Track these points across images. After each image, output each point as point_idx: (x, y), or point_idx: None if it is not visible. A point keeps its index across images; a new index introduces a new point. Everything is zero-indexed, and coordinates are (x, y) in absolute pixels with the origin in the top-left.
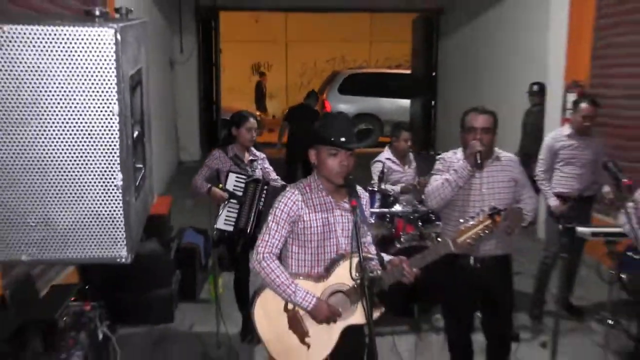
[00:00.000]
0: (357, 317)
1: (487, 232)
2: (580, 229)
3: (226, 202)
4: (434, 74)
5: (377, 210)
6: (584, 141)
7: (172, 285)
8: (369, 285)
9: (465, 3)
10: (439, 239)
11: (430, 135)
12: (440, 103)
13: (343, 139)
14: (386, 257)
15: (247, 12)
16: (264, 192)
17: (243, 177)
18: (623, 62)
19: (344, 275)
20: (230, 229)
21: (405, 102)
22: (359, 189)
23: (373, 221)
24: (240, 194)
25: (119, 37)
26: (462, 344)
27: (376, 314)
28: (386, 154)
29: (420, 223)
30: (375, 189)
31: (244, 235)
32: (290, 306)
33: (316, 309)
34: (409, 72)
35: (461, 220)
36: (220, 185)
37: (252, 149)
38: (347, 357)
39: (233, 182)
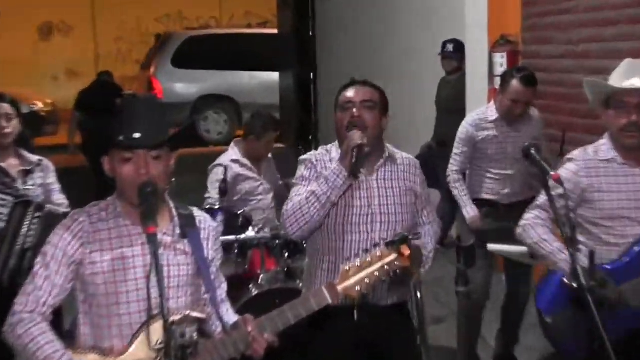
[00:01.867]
0: None
1: (389, 273)
2: (493, 245)
3: None
4: (311, 33)
5: (221, 237)
6: (516, 128)
7: None
8: (180, 356)
9: None
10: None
11: (309, 122)
12: (322, 77)
13: (137, 135)
14: (233, 317)
15: None
16: (35, 220)
17: (8, 197)
18: (561, 8)
19: (145, 348)
20: None
21: (273, 77)
22: (198, 215)
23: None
24: (2, 223)
25: None
26: None
27: None
28: (232, 153)
29: (286, 254)
30: (216, 207)
31: None
32: None
33: None
34: (274, 32)
35: (344, 258)
36: None
37: (23, 151)
38: None
39: None
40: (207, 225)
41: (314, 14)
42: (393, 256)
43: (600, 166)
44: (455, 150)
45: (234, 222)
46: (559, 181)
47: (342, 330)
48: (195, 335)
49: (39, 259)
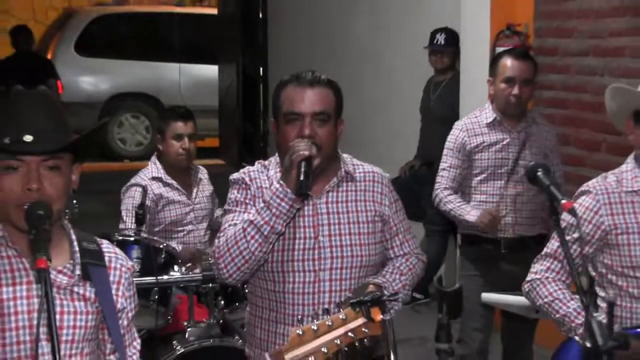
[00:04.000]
0: None
1: (355, 342)
2: (488, 295)
3: None
4: (260, 15)
5: (136, 279)
6: (519, 133)
7: None
8: None
9: None
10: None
11: (256, 131)
12: (274, 71)
13: (28, 138)
14: None
15: None
16: None
17: None
18: None
19: None
20: None
21: (209, 71)
22: (107, 249)
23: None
24: None
25: None
26: None
27: None
28: (154, 170)
29: (222, 302)
30: (131, 239)
31: None
32: None
33: None
34: (213, 12)
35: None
36: None
37: None
38: None
39: None
40: (119, 264)
41: None
42: (361, 321)
43: (626, 200)
44: (442, 165)
45: (154, 259)
46: (573, 211)
47: None
48: None
49: None
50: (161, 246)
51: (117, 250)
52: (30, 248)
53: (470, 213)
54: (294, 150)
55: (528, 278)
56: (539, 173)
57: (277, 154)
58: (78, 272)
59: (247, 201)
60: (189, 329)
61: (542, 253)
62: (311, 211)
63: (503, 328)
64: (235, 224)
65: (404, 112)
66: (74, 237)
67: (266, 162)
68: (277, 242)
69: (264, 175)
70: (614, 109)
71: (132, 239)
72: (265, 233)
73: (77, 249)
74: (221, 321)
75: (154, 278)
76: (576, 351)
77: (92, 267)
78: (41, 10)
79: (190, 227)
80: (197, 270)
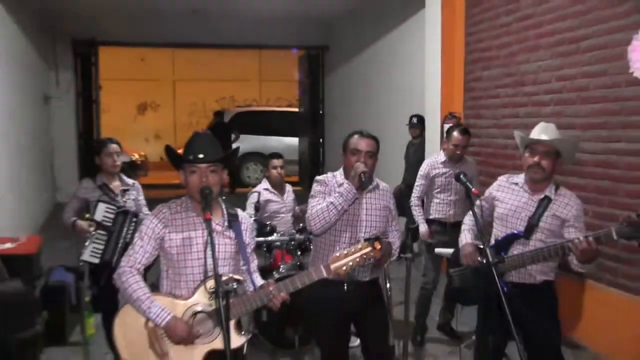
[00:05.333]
0: (221, 341)
1: (366, 259)
2: (439, 249)
3: (93, 233)
4: (321, 112)
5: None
6: (457, 168)
7: (37, 326)
8: (224, 296)
9: (349, 40)
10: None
11: (318, 172)
12: (328, 140)
13: (201, 156)
14: (260, 282)
15: (132, 49)
16: (133, 224)
17: (112, 207)
18: (490, 94)
19: (205, 295)
20: (96, 261)
21: (294, 140)
22: (240, 214)
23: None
24: (109, 224)
25: None
26: None
27: (241, 340)
28: (263, 184)
29: (299, 252)
30: (252, 219)
31: (108, 267)
32: (151, 324)
33: (169, 326)
34: (296, 110)
35: (337, 248)
36: (87, 216)
37: (123, 176)
38: None
39: (102, 212)
40: (246, 221)
41: (323, 98)
42: (369, 249)
43: (508, 186)
44: (416, 183)
45: (263, 230)
46: (477, 196)
47: (336, 296)
48: (235, 287)
49: (137, 234)
50: (267, 223)
51: (245, 214)
52: (202, 210)
53: (420, 225)
54: (357, 166)
55: (462, 228)
56: (461, 176)
57: (340, 171)
58: (226, 223)
59: (325, 192)
60: (281, 266)
61: (463, 226)
62: (359, 203)
63: (448, 269)
64: (319, 204)
65: (394, 159)
66: (223, 206)
67: (335, 173)
68: (342, 216)
69: (334, 180)
70: (519, 144)
71: (252, 219)
72: (338, 209)
73: (225, 212)
74: (298, 263)
75: (264, 239)
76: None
77: (233, 221)
78: (209, 110)
79: (282, 215)
80: (286, 236)
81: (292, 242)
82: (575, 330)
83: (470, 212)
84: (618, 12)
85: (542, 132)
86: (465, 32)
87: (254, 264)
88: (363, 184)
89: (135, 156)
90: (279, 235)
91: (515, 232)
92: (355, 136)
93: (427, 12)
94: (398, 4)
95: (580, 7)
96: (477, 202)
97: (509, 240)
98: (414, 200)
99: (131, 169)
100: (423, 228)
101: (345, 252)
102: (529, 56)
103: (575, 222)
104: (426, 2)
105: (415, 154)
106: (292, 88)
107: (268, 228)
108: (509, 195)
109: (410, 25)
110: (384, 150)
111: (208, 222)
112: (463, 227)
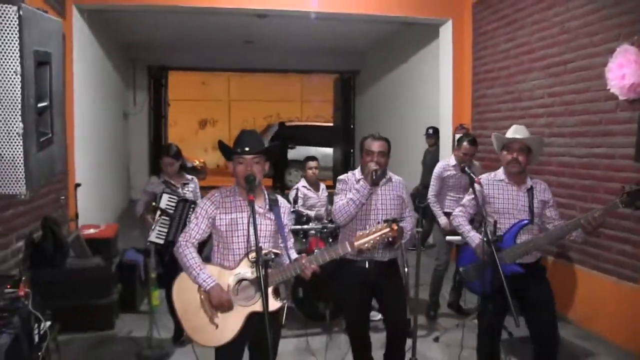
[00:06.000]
0: (261, 304)
1: (385, 238)
2: (449, 237)
3: (159, 219)
4: (352, 126)
5: (292, 227)
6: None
7: (113, 295)
8: (263, 265)
9: (376, 65)
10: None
11: None
12: (358, 150)
13: (247, 149)
14: (295, 256)
15: (195, 74)
16: (191, 209)
17: (174, 197)
18: (493, 109)
19: (248, 265)
20: (161, 241)
21: (329, 150)
22: (280, 199)
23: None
24: (171, 211)
25: (21, 12)
26: (360, 336)
27: (278, 304)
28: (302, 182)
29: (330, 239)
30: (291, 210)
31: (171, 246)
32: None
33: (212, 291)
34: (331, 125)
35: (360, 229)
36: (154, 204)
37: (184, 173)
38: (252, 341)
39: (166, 201)
40: (285, 205)
41: (354, 114)
42: (387, 229)
43: (495, 183)
44: (432, 183)
45: (301, 219)
46: (479, 183)
47: (359, 272)
48: (273, 258)
49: (193, 214)
50: (304, 213)
51: (284, 200)
52: (247, 194)
53: (440, 219)
54: (369, 166)
55: (453, 213)
56: (466, 168)
57: (358, 169)
58: (267, 207)
59: (346, 189)
60: (315, 250)
61: (461, 202)
62: (376, 195)
63: (457, 254)
64: (341, 199)
65: (415, 163)
66: (265, 192)
67: (354, 171)
68: (363, 207)
69: (353, 178)
70: (495, 145)
71: (293, 209)
72: (357, 204)
73: (267, 197)
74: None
75: (301, 227)
76: (470, 252)
77: (273, 205)
78: (259, 125)
79: (317, 208)
80: (319, 225)
81: (324, 230)
82: (562, 307)
83: (464, 202)
84: (595, 40)
85: (515, 132)
86: (473, 57)
87: (291, 242)
88: (375, 180)
89: (196, 162)
90: (313, 224)
91: (525, 220)
92: (369, 139)
93: (440, 41)
94: (417, 35)
95: (566, 36)
96: (478, 187)
97: (518, 228)
98: (431, 197)
99: (193, 173)
100: (443, 220)
101: (367, 231)
102: (525, 77)
103: (552, 201)
104: (440, 33)
105: (431, 160)
106: (328, 107)
107: (305, 218)
108: (500, 191)
109: (427, 52)
110: (405, 156)
111: (251, 203)
112: (462, 227)
